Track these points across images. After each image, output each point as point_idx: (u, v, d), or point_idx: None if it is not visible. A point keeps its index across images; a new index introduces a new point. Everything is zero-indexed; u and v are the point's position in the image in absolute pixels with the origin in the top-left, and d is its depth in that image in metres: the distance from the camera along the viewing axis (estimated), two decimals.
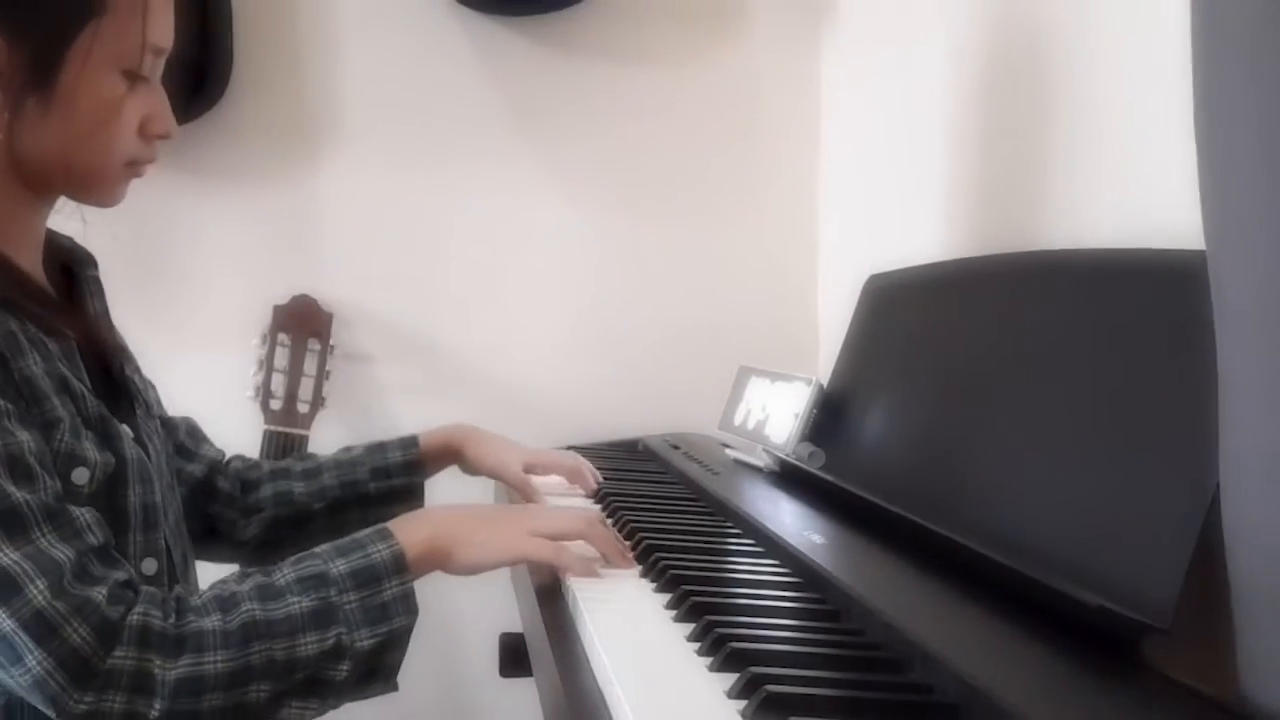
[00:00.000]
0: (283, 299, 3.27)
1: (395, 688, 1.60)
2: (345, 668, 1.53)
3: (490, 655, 2.25)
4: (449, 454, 2.23)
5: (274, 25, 3.34)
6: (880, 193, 2.95)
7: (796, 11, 3.37)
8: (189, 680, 1.44)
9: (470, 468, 2.26)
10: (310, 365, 3.21)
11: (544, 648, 1.46)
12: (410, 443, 2.21)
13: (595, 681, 1.30)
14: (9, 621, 1.40)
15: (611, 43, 3.36)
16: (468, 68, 3.37)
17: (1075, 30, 2.01)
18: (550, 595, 1.64)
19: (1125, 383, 1.45)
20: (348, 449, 2.23)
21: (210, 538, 2.08)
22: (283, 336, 3.22)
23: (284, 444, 3.10)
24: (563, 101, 3.38)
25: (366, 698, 1.59)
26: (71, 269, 1.87)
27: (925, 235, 2.57)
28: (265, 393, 3.16)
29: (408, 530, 1.64)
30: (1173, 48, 1.13)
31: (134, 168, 1.74)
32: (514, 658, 2.23)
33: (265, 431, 3.12)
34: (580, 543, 1.73)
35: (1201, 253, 1.11)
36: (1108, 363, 1.49)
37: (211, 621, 1.48)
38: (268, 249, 3.37)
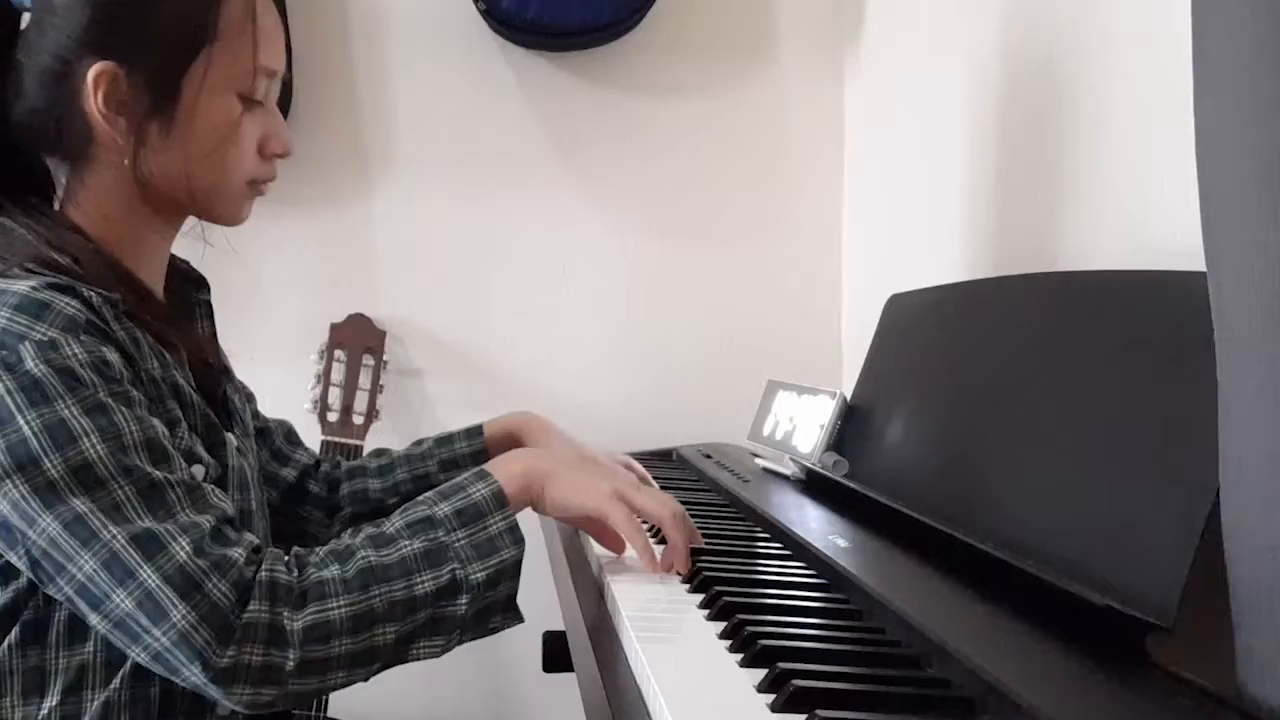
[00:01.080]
0: (339, 317, 3.28)
1: (520, 618, 1.62)
2: (463, 601, 1.54)
3: (534, 652, 2.25)
4: (511, 442, 2.19)
5: (331, 63, 3.35)
6: (901, 217, 2.95)
7: (822, 46, 3.38)
8: (316, 627, 1.46)
9: None
10: (365, 379, 3.21)
11: (584, 645, 1.47)
12: (475, 432, 2.22)
13: (633, 676, 1.30)
14: (155, 577, 1.42)
15: (648, 77, 3.37)
16: (513, 100, 3.37)
17: (1087, 64, 2.01)
18: (590, 596, 1.64)
19: (1131, 394, 1.44)
20: (419, 442, 2.24)
21: (303, 539, 2.05)
22: (339, 352, 3.23)
23: (340, 453, 3.11)
24: (602, 131, 3.39)
25: (491, 633, 1.61)
26: (186, 290, 1.89)
27: (943, 257, 2.58)
28: (323, 405, 3.18)
29: (504, 469, 1.66)
30: (1180, 83, 1.13)
31: (256, 186, 1.77)
32: (556, 655, 2.23)
33: (322, 441, 3.13)
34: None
35: (1202, 274, 1.11)
36: (1115, 376, 1.49)
37: (331, 571, 1.51)
38: (326, 271, 3.39)
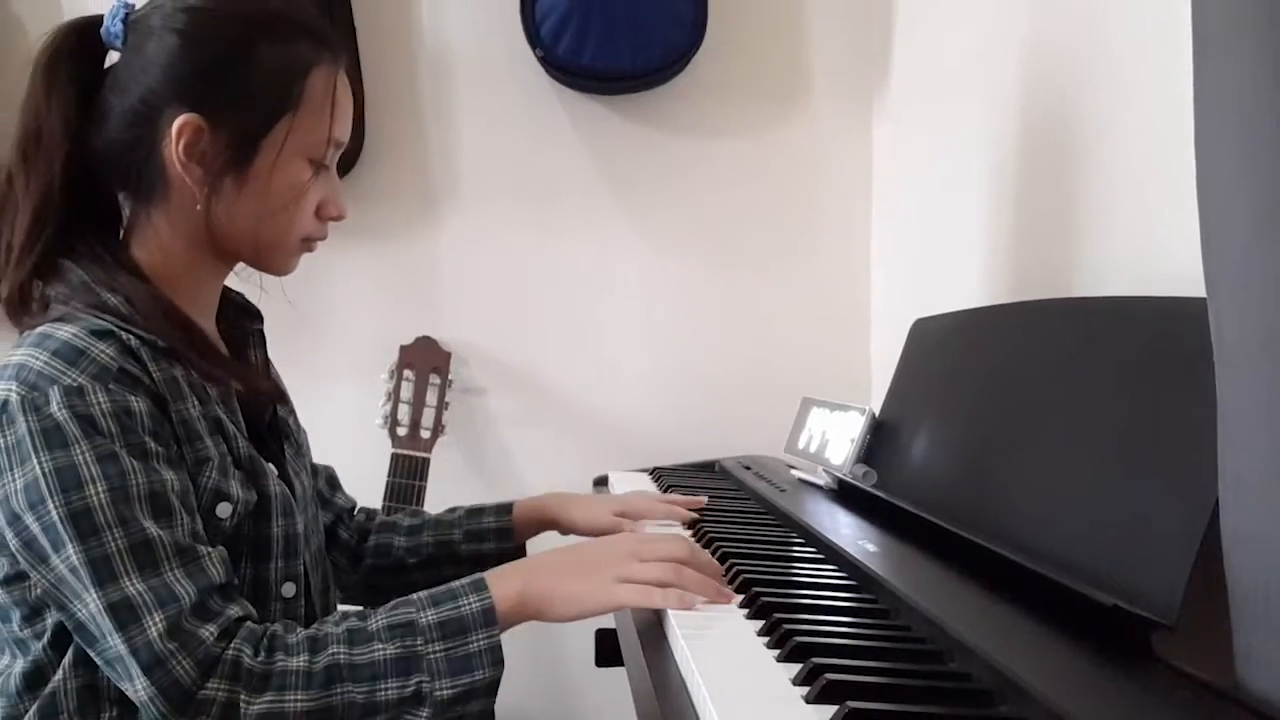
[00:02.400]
0: (408, 339, 3.30)
1: None
2: (425, 714, 1.47)
3: (586, 648, 2.24)
4: (543, 522, 2.14)
5: (401, 106, 3.37)
6: (924, 247, 2.95)
7: (852, 91, 3.37)
8: (270, 715, 1.43)
9: (566, 530, 2.13)
10: (431, 397, 3.22)
11: (633, 642, 1.47)
12: (505, 509, 2.13)
13: (678, 670, 1.31)
14: (124, 647, 1.41)
15: (692, 118, 3.37)
16: (568, 140, 3.39)
17: (1098, 106, 2.01)
18: None
19: (1138, 410, 1.44)
20: (452, 510, 2.17)
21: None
22: (408, 372, 3.24)
23: (408, 465, 3.12)
24: (649, 168, 3.40)
25: None
26: (241, 322, 1.89)
27: (964, 284, 2.57)
28: (393, 420, 3.18)
29: (502, 583, 1.57)
30: (1184, 124, 1.13)
31: (308, 243, 1.77)
32: (608, 650, 2.22)
33: (392, 454, 3.13)
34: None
35: (1203, 300, 1.11)
36: (1122, 393, 1.48)
37: (298, 662, 1.46)
38: (395, 296, 3.41)
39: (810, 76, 3.39)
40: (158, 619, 1.41)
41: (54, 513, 1.43)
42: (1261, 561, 1.03)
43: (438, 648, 1.49)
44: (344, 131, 1.74)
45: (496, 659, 1.50)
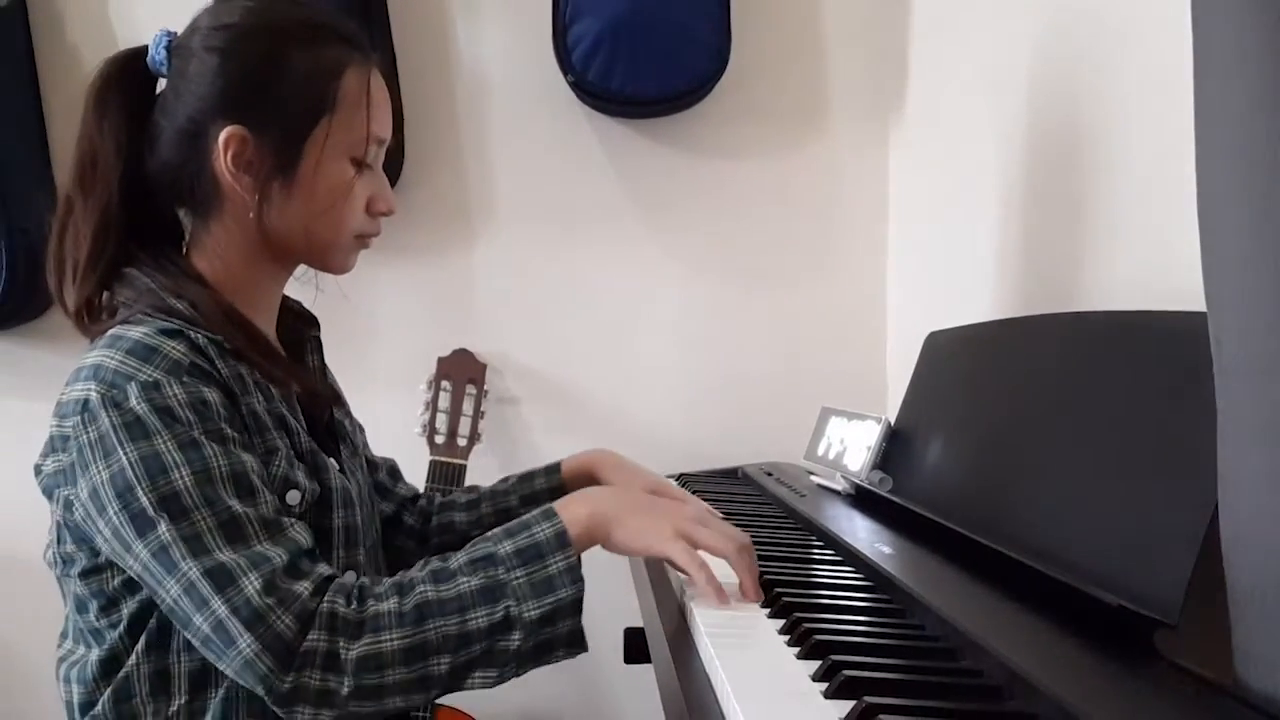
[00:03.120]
0: (445, 351, 3.31)
1: (585, 648, 1.53)
2: (516, 637, 1.48)
3: (615, 645, 2.25)
4: (587, 478, 2.13)
5: (439, 129, 3.38)
6: (939, 263, 2.94)
7: (869, 114, 3.37)
8: (369, 658, 1.44)
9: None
10: (468, 406, 3.23)
11: (660, 638, 1.47)
12: (553, 469, 2.15)
13: (703, 667, 1.31)
14: (224, 608, 1.42)
15: (716, 141, 3.38)
16: (598, 161, 3.40)
17: (1105, 126, 2.01)
18: (666, 596, 1.64)
19: (1141, 418, 1.44)
20: (505, 479, 2.19)
21: (394, 568, 2.05)
22: (445, 383, 3.25)
23: (446, 472, 3.13)
24: (676, 188, 3.40)
25: (555, 661, 1.53)
26: (299, 328, 1.90)
27: (976, 299, 2.57)
28: (431, 429, 3.19)
29: (570, 509, 1.58)
30: (1187, 144, 1.13)
31: (362, 240, 1.78)
32: (635, 648, 2.22)
33: (430, 462, 3.14)
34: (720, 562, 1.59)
35: (1203, 314, 1.11)
36: (1127, 403, 1.48)
37: (389, 605, 1.47)
38: (433, 311, 3.42)
39: (829, 101, 3.39)
40: (254, 578, 1.43)
41: (143, 499, 1.44)
42: (1259, 563, 1.03)
43: (519, 573, 1.50)
44: (383, 127, 1.75)
45: (576, 577, 1.51)
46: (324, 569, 1.51)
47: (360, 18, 3.13)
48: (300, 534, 1.53)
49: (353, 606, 1.47)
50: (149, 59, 1.69)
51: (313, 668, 1.43)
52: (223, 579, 1.43)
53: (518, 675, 1.53)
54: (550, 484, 2.14)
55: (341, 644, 1.44)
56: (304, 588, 1.45)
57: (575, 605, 1.51)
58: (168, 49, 1.68)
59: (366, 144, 1.72)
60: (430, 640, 1.46)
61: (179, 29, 1.71)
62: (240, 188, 1.65)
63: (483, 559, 1.53)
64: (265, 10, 1.69)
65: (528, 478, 2.17)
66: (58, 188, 3.24)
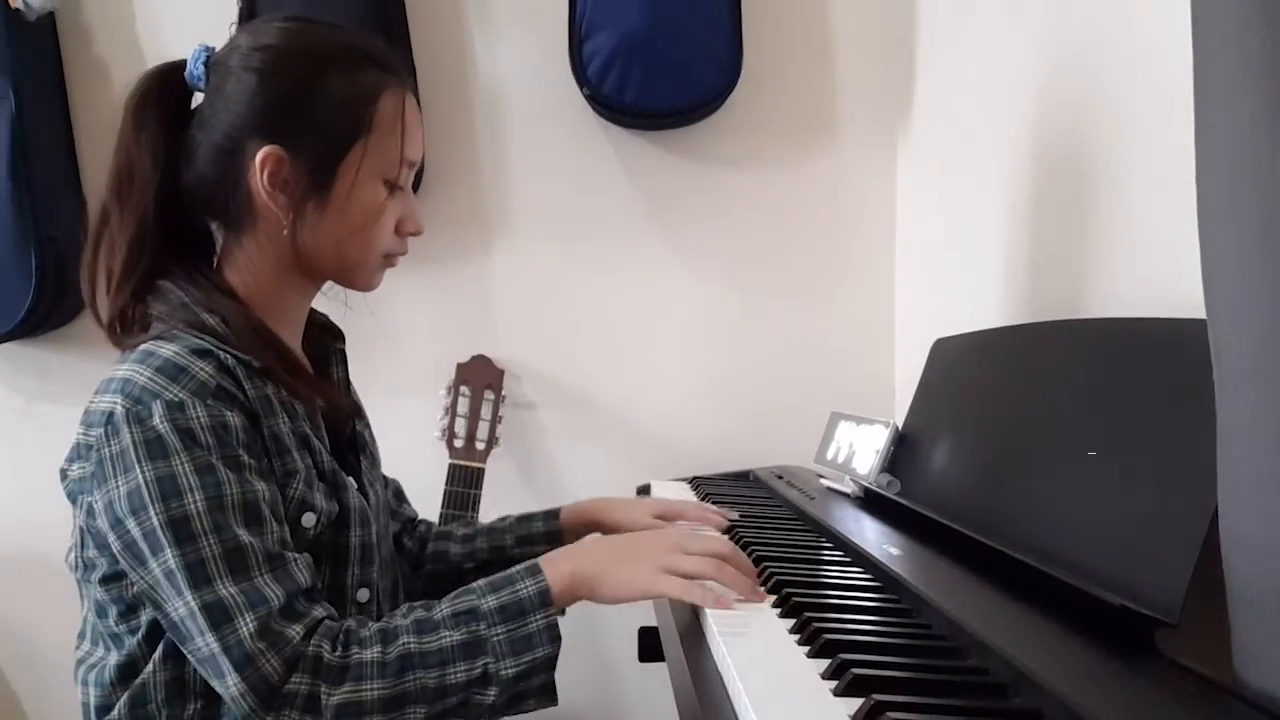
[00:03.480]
0: (464, 358, 3.32)
1: (555, 702, 1.56)
2: (492, 692, 1.50)
3: (630, 644, 2.24)
4: (587, 524, 2.13)
5: (457, 141, 3.39)
6: (945, 271, 2.94)
7: (877, 126, 3.37)
8: (349, 704, 1.45)
9: (609, 531, 2.11)
10: (486, 411, 3.23)
11: (674, 638, 1.47)
12: (553, 515, 2.14)
13: (715, 665, 1.31)
14: (216, 645, 1.43)
15: (728, 151, 3.38)
16: (612, 172, 3.40)
17: (1109, 139, 2.01)
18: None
19: (1142, 424, 1.44)
20: (503, 518, 2.18)
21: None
22: (464, 388, 3.26)
23: (465, 475, 3.13)
24: (689, 198, 3.40)
25: (525, 712, 1.56)
26: (324, 341, 1.91)
27: (982, 306, 2.57)
28: (450, 433, 3.20)
29: (554, 566, 1.59)
30: (1188, 156, 1.13)
31: (389, 259, 1.78)
32: (650, 647, 2.22)
33: (449, 465, 3.15)
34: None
35: (1203, 321, 1.12)
36: (1128, 408, 1.48)
37: (372, 654, 1.48)
38: (452, 318, 3.43)
39: (838, 113, 3.40)
40: (249, 619, 1.44)
41: (155, 519, 1.45)
42: (1257, 564, 1.03)
43: (500, 630, 1.51)
44: (415, 151, 1.75)
45: (554, 636, 1.53)
46: (318, 611, 1.51)
47: (381, 34, 3.14)
48: (300, 571, 1.53)
49: (337, 653, 1.48)
50: (187, 73, 1.69)
51: (292, 709, 1.44)
52: (219, 616, 1.44)
53: None
54: (548, 528, 2.13)
55: (323, 689, 1.45)
56: (296, 632, 1.46)
57: (550, 662, 1.53)
58: (205, 64, 1.68)
59: (399, 167, 1.72)
60: (409, 691, 1.47)
61: (204, 42, 1.72)
62: (275, 206, 1.65)
63: (466, 613, 1.54)
64: (304, 33, 1.70)
65: (526, 520, 2.16)
66: (86, 197, 3.29)
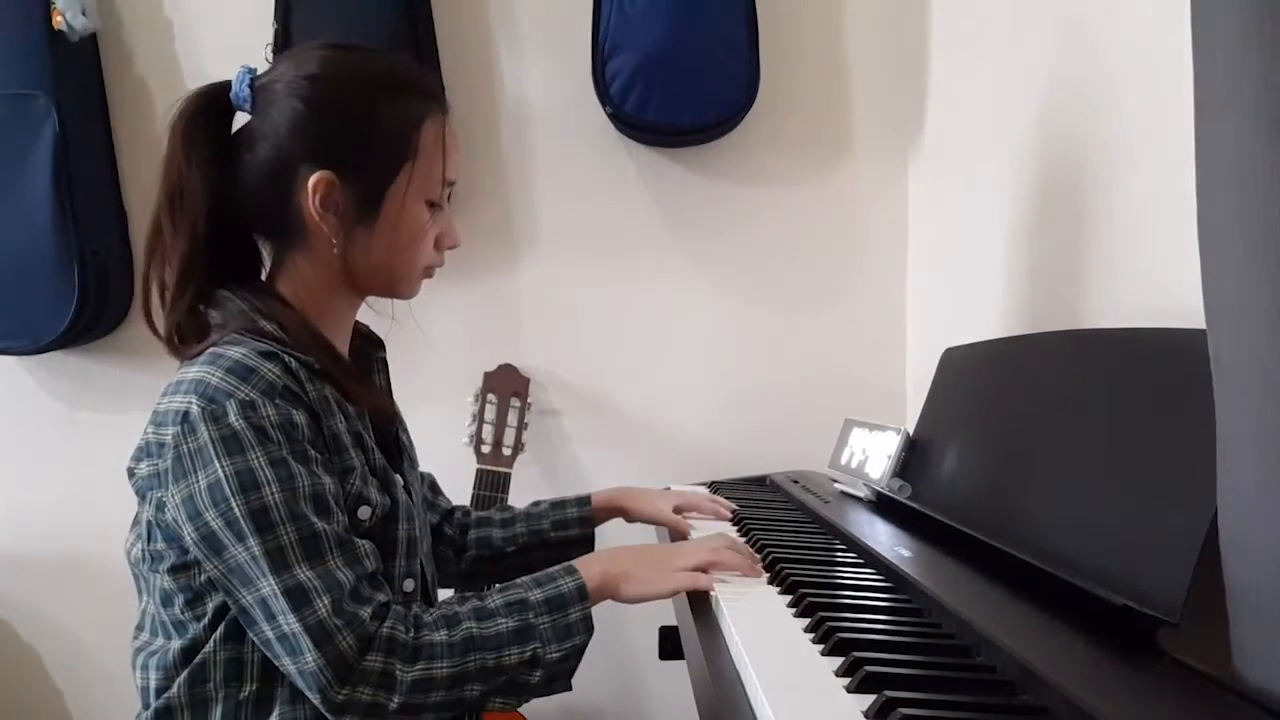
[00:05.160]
0: (491, 366, 3.33)
1: (571, 688, 1.64)
2: (539, 673, 1.59)
3: (651, 643, 2.25)
4: (614, 510, 2.25)
5: (486, 157, 3.40)
6: (955, 282, 2.95)
7: (890, 145, 3.38)
8: (421, 681, 1.51)
9: (632, 518, 2.27)
10: (512, 418, 3.24)
11: (693, 637, 1.47)
12: (584, 500, 2.24)
13: (733, 663, 1.31)
14: (297, 625, 1.47)
15: (746, 168, 3.39)
16: (634, 187, 3.41)
17: (1108, 157, 2.01)
18: (698, 596, 1.65)
19: (1144, 430, 1.44)
20: (537, 503, 2.27)
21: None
22: (491, 396, 3.27)
23: (491, 479, 3.14)
24: (707, 213, 3.41)
25: (548, 695, 1.63)
26: (366, 350, 1.93)
27: (990, 316, 2.57)
28: (477, 439, 3.21)
29: (587, 567, 1.68)
30: (1186, 173, 1.14)
31: (429, 271, 1.82)
32: (670, 645, 2.23)
33: (477, 470, 3.15)
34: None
35: (1202, 331, 1.12)
36: (1130, 415, 1.48)
37: (441, 636, 1.55)
38: (480, 328, 3.44)
39: (853, 132, 3.40)
40: (326, 600, 1.48)
41: (236, 509, 1.48)
42: (1256, 564, 1.03)
43: (546, 620, 1.60)
44: (455, 172, 1.77)
45: (589, 626, 1.63)
46: (382, 596, 1.56)
47: (412, 55, 3.15)
48: (367, 557, 1.58)
49: (410, 634, 1.54)
50: (232, 94, 1.71)
51: (367, 685, 1.49)
52: (299, 598, 1.48)
53: (523, 704, 1.67)
54: (581, 513, 2.23)
55: (398, 666, 1.51)
56: (366, 612, 1.51)
57: (583, 649, 1.63)
58: (251, 87, 1.70)
59: (441, 187, 1.75)
60: (470, 670, 1.55)
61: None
62: (325, 227, 1.67)
63: (517, 603, 1.62)
64: (347, 61, 1.72)
65: (560, 505, 2.25)
66: (127, 212, 3.31)
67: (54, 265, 3.15)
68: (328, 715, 1.50)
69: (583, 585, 1.64)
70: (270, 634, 1.49)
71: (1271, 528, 1.01)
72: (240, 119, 1.73)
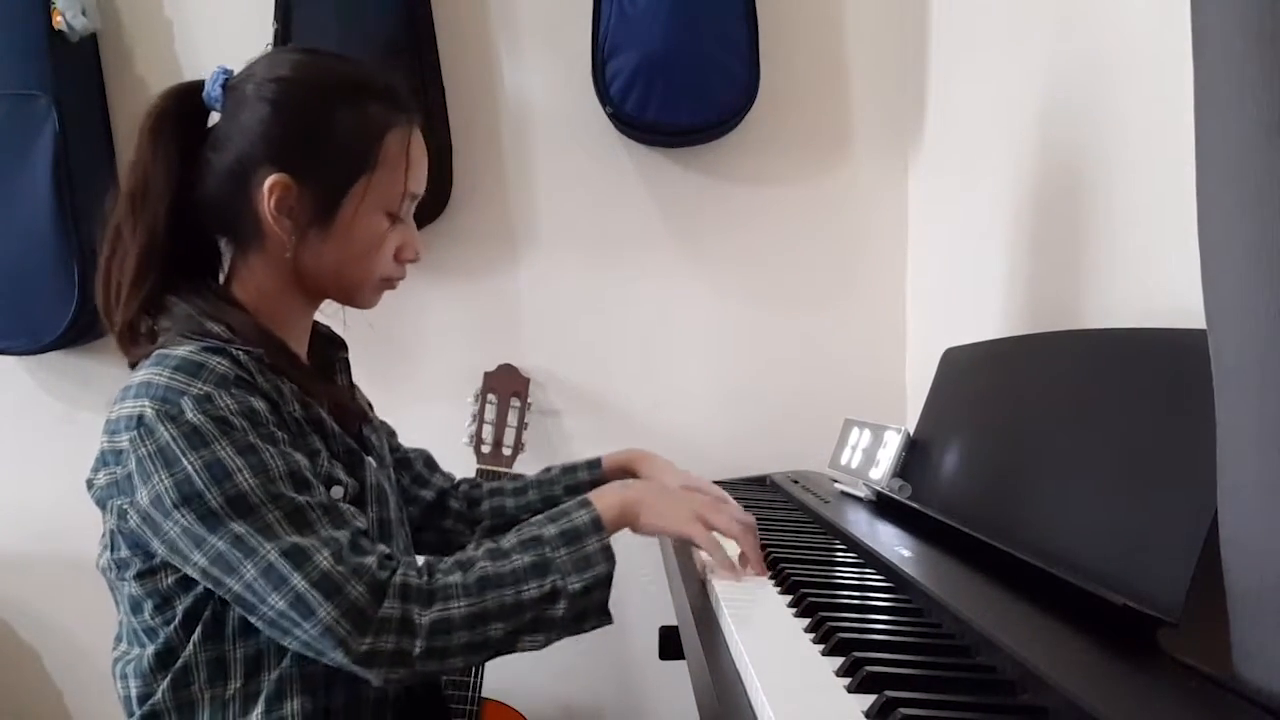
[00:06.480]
0: (491, 366, 3.32)
1: (611, 620, 1.63)
2: (562, 606, 1.57)
3: (651, 643, 2.25)
4: (626, 473, 2.23)
5: (485, 157, 3.40)
6: (954, 284, 2.95)
7: (889, 144, 3.38)
8: (440, 622, 1.51)
9: None
10: (512, 418, 3.25)
11: (693, 637, 1.47)
12: (595, 464, 2.24)
13: (733, 663, 1.31)
14: (302, 582, 1.46)
15: (746, 168, 3.39)
16: (634, 187, 3.41)
17: (1108, 158, 2.02)
18: (698, 596, 1.65)
19: (1144, 430, 1.44)
20: (548, 469, 2.27)
21: (448, 547, 2.10)
22: (491, 396, 3.27)
23: (492, 479, 3.14)
24: (707, 212, 3.41)
25: (587, 630, 1.62)
26: (327, 351, 1.93)
27: (989, 317, 2.58)
28: (477, 439, 3.21)
29: (603, 498, 1.68)
30: (1185, 173, 1.14)
31: (388, 282, 1.80)
32: (670, 645, 2.23)
33: (477, 470, 3.16)
34: (730, 544, 1.74)
35: (1202, 331, 1.12)
36: (1130, 415, 1.49)
37: (455, 578, 1.55)
38: (480, 328, 3.44)
39: (852, 133, 3.40)
40: (326, 554, 1.48)
41: (212, 501, 1.48)
42: (1255, 564, 1.04)
43: (563, 552, 1.60)
44: (418, 185, 1.77)
45: (609, 555, 1.62)
46: (382, 548, 1.57)
47: (412, 56, 3.16)
48: (356, 518, 1.59)
49: (423, 579, 1.54)
50: (205, 94, 1.72)
51: (389, 632, 1.48)
52: (299, 557, 1.47)
53: (559, 639, 1.61)
54: (593, 477, 2.22)
55: (416, 611, 1.51)
56: (370, 561, 1.51)
57: (608, 579, 1.61)
58: (224, 87, 1.71)
59: (401, 200, 1.74)
60: (490, 608, 1.54)
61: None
62: (280, 229, 1.67)
63: (531, 540, 1.61)
64: (317, 66, 1.72)
65: (570, 470, 2.25)
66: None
67: (54, 265, 3.16)
68: (355, 668, 1.49)
69: (597, 516, 1.64)
70: (273, 609, 1.48)
71: (1271, 528, 1.01)
72: (215, 120, 1.74)
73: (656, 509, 1.71)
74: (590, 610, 1.60)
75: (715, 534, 1.73)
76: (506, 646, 1.57)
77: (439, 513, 2.17)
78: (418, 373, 3.37)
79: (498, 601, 1.54)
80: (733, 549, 1.75)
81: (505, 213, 3.45)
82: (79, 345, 3.37)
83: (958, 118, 3.00)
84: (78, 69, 3.29)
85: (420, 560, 1.59)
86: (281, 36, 3.12)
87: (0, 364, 3.44)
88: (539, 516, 1.68)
